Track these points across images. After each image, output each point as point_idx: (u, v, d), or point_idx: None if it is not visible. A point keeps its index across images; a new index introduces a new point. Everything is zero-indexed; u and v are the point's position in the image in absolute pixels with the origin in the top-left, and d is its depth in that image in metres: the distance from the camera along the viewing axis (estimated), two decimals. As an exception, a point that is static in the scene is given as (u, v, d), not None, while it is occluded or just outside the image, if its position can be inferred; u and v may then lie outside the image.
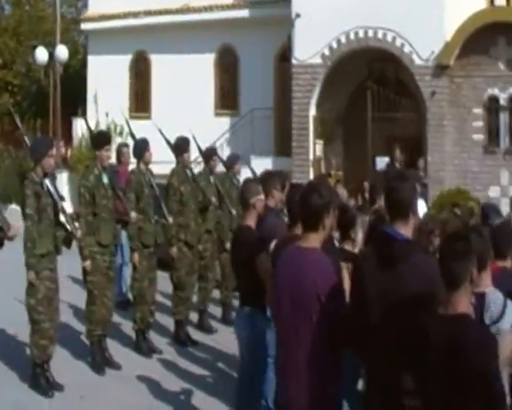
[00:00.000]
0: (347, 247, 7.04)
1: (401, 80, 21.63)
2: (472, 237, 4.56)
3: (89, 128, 11.43)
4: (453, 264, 4.21)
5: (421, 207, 15.82)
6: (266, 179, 7.65)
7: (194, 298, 11.47)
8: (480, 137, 20.05)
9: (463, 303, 4.24)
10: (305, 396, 4.85)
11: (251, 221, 7.01)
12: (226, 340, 10.04)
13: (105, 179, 9.28)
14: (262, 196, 7.09)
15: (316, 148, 21.11)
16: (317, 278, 4.78)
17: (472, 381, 4.04)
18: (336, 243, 7.03)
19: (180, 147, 10.87)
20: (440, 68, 19.98)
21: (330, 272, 4.85)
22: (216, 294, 12.22)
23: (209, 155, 11.90)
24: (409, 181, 4.81)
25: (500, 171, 19.82)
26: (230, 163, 12.50)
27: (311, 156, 21.02)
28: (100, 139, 9.66)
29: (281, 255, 5.24)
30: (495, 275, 5.56)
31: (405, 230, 4.71)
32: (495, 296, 5.04)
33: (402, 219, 4.71)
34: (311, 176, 19.93)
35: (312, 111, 21.12)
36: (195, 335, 10.95)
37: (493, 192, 19.58)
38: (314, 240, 4.95)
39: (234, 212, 11.66)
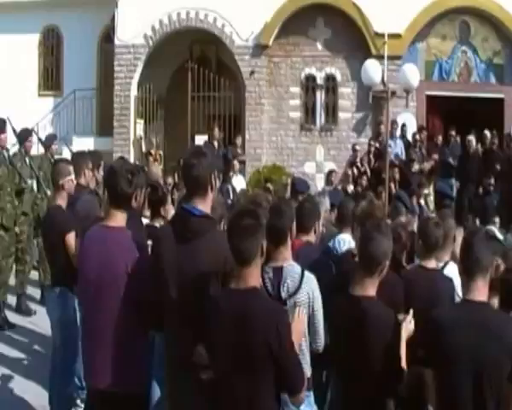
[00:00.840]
0: (157, 224, 7.17)
1: (222, 60, 21.91)
2: (263, 213, 4.63)
3: None
4: (241, 240, 4.25)
5: (240, 183, 16.35)
6: (77, 159, 7.71)
7: (12, 281, 11.34)
8: (296, 114, 20.57)
9: (254, 277, 4.32)
10: (109, 374, 4.91)
11: (60, 201, 7.05)
12: (44, 322, 9.94)
13: None
14: (72, 177, 7.13)
15: (136, 127, 21.08)
16: (122, 257, 4.87)
17: (260, 353, 4.16)
18: (146, 221, 7.16)
19: (-5, 127, 10.72)
20: (259, 48, 20.32)
21: (135, 251, 4.92)
22: (35, 275, 12.10)
23: (24, 136, 11.76)
24: (206, 157, 4.74)
25: (316, 147, 20.43)
26: (48, 143, 12.42)
27: (132, 136, 20.98)
28: None
29: (87, 235, 5.29)
30: (298, 249, 5.72)
31: (203, 205, 4.72)
32: (292, 270, 5.03)
33: (199, 194, 4.71)
34: (132, 155, 20.01)
35: (134, 91, 21.04)
36: (14, 318, 10.85)
37: (309, 168, 20.22)
38: (120, 219, 5.04)
39: (49, 193, 11.56)
